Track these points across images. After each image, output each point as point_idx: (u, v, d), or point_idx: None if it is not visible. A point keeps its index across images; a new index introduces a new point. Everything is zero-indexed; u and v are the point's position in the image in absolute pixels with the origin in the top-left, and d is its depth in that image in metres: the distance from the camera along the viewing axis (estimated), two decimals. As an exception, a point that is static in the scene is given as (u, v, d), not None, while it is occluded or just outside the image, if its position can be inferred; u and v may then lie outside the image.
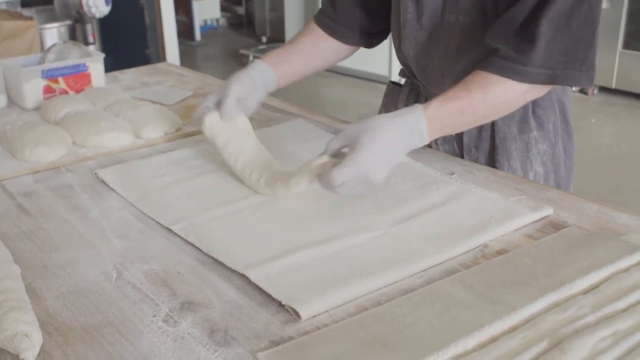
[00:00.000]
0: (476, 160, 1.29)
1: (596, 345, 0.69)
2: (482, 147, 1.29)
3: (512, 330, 0.73)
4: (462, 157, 1.31)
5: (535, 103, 1.25)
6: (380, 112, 1.47)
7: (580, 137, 4.46)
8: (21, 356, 0.73)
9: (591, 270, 0.84)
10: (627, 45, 4.66)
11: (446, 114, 1.06)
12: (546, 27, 1.03)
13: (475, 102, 1.07)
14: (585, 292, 0.81)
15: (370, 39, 1.39)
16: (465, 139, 1.29)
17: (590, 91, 4.90)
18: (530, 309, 0.76)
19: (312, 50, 1.36)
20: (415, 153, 1.29)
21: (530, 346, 0.69)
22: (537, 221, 1.03)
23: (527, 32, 1.05)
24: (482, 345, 0.71)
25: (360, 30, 1.36)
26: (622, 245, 0.92)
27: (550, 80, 1.07)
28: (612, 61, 4.75)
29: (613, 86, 4.82)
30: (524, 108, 1.24)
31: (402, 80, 1.43)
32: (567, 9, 1.03)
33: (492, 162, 1.29)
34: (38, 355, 0.74)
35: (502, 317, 0.75)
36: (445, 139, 1.32)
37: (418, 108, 1.04)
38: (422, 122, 1.03)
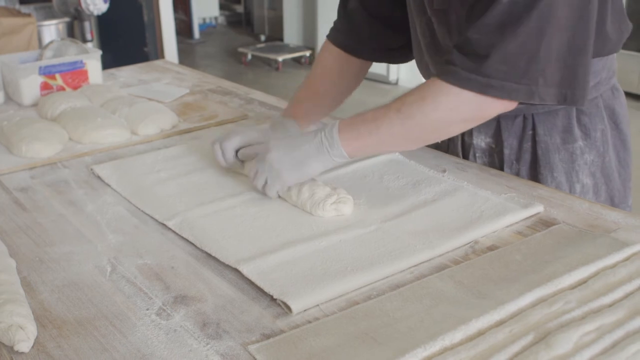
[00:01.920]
0: (517, 174, 1.21)
1: (581, 339, 0.70)
2: (524, 159, 1.20)
3: (499, 324, 0.74)
4: (502, 169, 1.23)
5: (579, 110, 1.16)
6: None
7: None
8: (15, 348, 0.75)
9: (579, 266, 0.85)
10: (624, 45, 4.66)
11: (358, 121, 1.03)
12: (489, 29, 0.94)
13: (389, 110, 1.01)
14: (572, 287, 0.82)
15: (393, 55, 1.32)
16: (506, 151, 1.21)
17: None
18: (518, 304, 0.78)
19: (338, 90, 1.30)
20: (408, 151, 1.31)
21: (516, 340, 0.70)
22: (527, 218, 1.04)
23: (466, 35, 0.96)
24: (470, 339, 0.72)
25: (379, 45, 1.29)
26: (610, 242, 0.93)
27: (482, 90, 0.95)
28: (609, 61, 4.76)
29: (610, 86, 4.83)
30: (568, 116, 1.15)
31: None
32: (515, 10, 0.92)
33: (534, 175, 1.20)
34: (32, 347, 0.76)
35: (489, 312, 0.76)
36: (485, 152, 1.24)
37: (335, 120, 1.07)
38: (335, 131, 1.03)
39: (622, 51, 4.51)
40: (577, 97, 0.98)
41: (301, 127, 1.22)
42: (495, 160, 1.24)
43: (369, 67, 1.33)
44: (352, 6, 1.27)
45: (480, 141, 1.24)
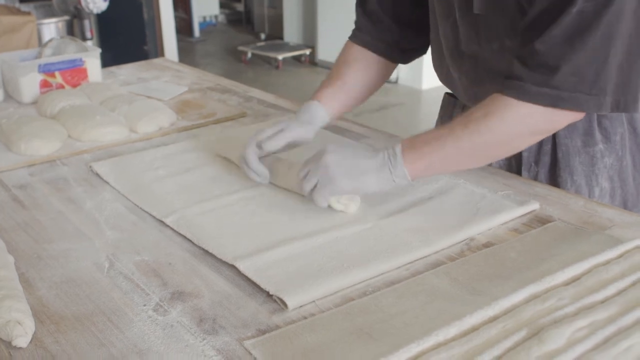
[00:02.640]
0: (536, 177, 1.19)
1: (573, 335, 0.70)
2: (543, 162, 1.19)
3: (493, 320, 0.75)
4: (519, 173, 1.21)
5: (600, 114, 1.14)
6: (437, 124, 1.39)
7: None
8: (13, 343, 0.75)
9: (573, 263, 0.86)
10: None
11: (420, 141, 1.00)
12: (557, 42, 0.92)
13: (454, 128, 0.99)
14: (566, 284, 0.82)
15: (407, 56, 1.31)
16: (525, 153, 1.19)
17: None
18: (511, 300, 0.78)
19: (363, 81, 1.26)
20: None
21: (509, 335, 0.71)
22: (523, 215, 1.05)
23: (533, 48, 0.94)
24: (463, 334, 0.73)
25: (401, 47, 1.28)
26: (605, 239, 0.94)
27: (553, 103, 0.94)
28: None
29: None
30: (589, 119, 1.14)
31: None
32: (583, 22, 0.91)
33: (553, 177, 1.19)
34: (30, 342, 0.76)
35: (483, 308, 0.76)
36: None
37: (397, 148, 1.01)
38: (398, 150, 1.00)
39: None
40: (630, 104, 0.97)
41: (327, 112, 1.20)
42: (513, 162, 1.23)
43: (391, 70, 1.31)
44: (371, 7, 1.26)
45: None
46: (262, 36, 7.20)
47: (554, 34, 0.92)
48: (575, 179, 1.17)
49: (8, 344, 0.76)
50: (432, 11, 1.21)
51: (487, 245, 0.97)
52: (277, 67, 6.12)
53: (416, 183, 1.15)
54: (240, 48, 6.48)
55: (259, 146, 1.12)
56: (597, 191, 1.18)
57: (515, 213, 1.05)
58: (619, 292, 0.79)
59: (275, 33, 6.97)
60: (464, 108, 1.28)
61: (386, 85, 5.62)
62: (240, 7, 8.16)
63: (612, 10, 0.90)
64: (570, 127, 1.14)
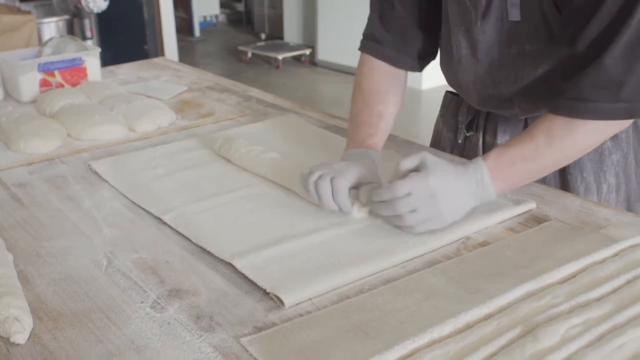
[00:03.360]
0: (545, 177, 1.17)
1: (567, 332, 0.71)
2: None
3: (488, 317, 0.76)
4: None
5: None
6: (437, 123, 1.41)
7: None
8: (12, 339, 0.76)
9: (569, 262, 0.86)
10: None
11: (506, 162, 1.01)
12: (618, 57, 0.94)
13: (539, 147, 1.00)
14: (561, 282, 0.83)
15: (423, 63, 1.27)
16: None
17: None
18: (507, 298, 0.79)
19: (395, 110, 1.22)
20: (404, 149, 1.32)
21: (504, 333, 0.71)
22: (519, 215, 1.06)
23: (596, 65, 0.96)
24: (458, 332, 0.73)
25: (417, 53, 1.24)
26: (600, 238, 0.94)
27: (629, 115, 0.98)
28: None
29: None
30: None
31: None
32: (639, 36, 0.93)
33: (563, 175, 1.21)
34: (28, 338, 0.77)
35: (478, 305, 0.77)
36: None
37: (479, 161, 1.01)
38: (485, 174, 0.99)
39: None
40: None
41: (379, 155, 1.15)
42: None
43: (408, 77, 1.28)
44: (397, 14, 1.21)
45: (505, 141, 1.23)
46: (263, 36, 7.21)
47: (617, 48, 0.94)
48: (585, 176, 1.19)
49: (6, 341, 0.76)
50: (445, 16, 1.20)
51: (483, 244, 0.98)
52: (277, 67, 6.12)
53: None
54: (241, 48, 6.49)
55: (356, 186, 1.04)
56: (605, 187, 1.20)
57: (511, 212, 1.05)
58: (614, 290, 0.80)
59: (276, 33, 6.98)
60: (469, 108, 1.29)
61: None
62: (240, 7, 8.17)
63: None
64: None
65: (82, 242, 0.99)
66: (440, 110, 1.40)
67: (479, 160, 1.01)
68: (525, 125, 1.21)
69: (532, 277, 0.83)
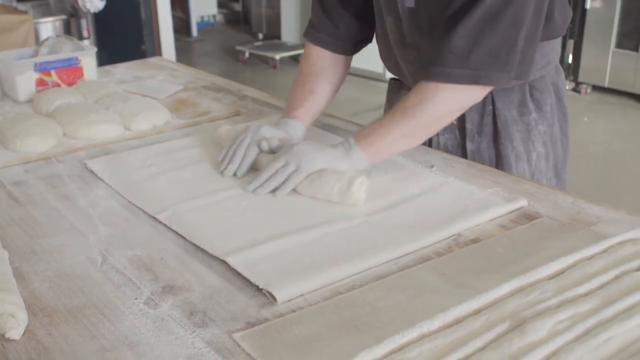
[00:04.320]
0: (479, 146, 1.32)
1: (554, 327, 0.72)
2: (485, 132, 1.31)
3: (477, 312, 0.77)
4: (464, 145, 1.33)
5: (532, 86, 1.29)
6: (385, 110, 1.51)
7: (572, 135, 4.50)
8: (7, 335, 0.77)
9: (558, 258, 0.87)
10: (619, 44, 4.69)
11: (369, 131, 1.15)
12: (471, 29, 1.07)
13: (395, 116, 1.13)
14: (550, 278, 0.84)
15: (358, 47, 1.41)
16: (468, 126, 1.32)
17: (583, 90, 4.93)
18: (496, 293, 0.80)
19: (330, 87, 1.37)
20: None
21: (492, 327, 0.72)
22: (511, 212, 1.07)
23: (451, 35, 1.08)
24: (447, 326, 0.74)
25: (356, 39, 1.38)
26: (590, 235, 0.95)
27: (474, 81, 1.10)
28: (605, 60, 4.78)
29: (606, 85, 4.85)
30: (522, 91, 1.28)
31: None
32: (493, 11, 1.06)
33: (496, 146, 1.32)
34: (23, 334, 0.78)
35: (467, 300, 0.78)
36: (447, 129, 1.33)
37: (349, 137, 1.16)
38: (350, 140, 1.14)
39: (618, 50, 4.55)
40: (525, 74, 1.18)
41: (304, 127, 1.31)
42: (457, 135, 1.35)
43: (350, 63, 1.42)
44: (330, 3, 1.35)
45: None
46: (260, 36, 7.21)
47: (469, 21, 1.07)
48: (515, 145, 1.31)
49: (1, 336, 0.77)
50: (377, 5, 1.31)
51: (474, 241, 0.99)
52: (274, 67, 6.13)
53: (406, 180, 1.17)
54: (238, 48, 6.50)
55: (258, 144, 1.21)
56: (534, 155, 1.33)
57: (503, 209, 1.06)
58: (602, 286, 0.81)
59: (273, 33, 6.98)
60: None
61: (382, 84, 5.62)
62: (238, 6, 8.17)
63: (518, 1, 1.05)
64: (507, 100, 1.29)
65: (78, 239, 1.00)
66: (387, 96, 1.52)
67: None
68: None
69: (521, 273, 0.84)
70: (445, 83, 1.10)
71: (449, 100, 1.13)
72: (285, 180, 1.11)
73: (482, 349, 0.69)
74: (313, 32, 1.38)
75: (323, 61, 1.37)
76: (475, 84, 1.11)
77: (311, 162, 1.11)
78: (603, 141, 4.16)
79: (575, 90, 4.99)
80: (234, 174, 1.19)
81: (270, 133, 1.22)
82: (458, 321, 0.75)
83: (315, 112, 1.36)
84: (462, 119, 1.32)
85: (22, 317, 0.79)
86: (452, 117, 1.19)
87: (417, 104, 1.13)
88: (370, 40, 1.42)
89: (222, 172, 1.20)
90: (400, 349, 0.70)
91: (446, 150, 1.35)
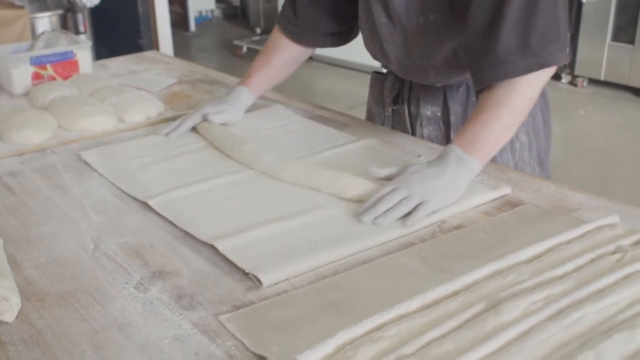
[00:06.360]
0: None
1: (529, 307, 0.74)
2: None
3: (455, 294, 0.79)
4: (448, 136, 1.36)
5: None
6: (368, 102, 1.54)
7: (568, 128, 4.54)
8: (0, 318, 0.79)
9: (536, 242, 0.90)
10: (615, 37, 4.71)
11: (472, 133, 1.09)
12: (516, 19, 1.06)
13: (492, 111, 1.10)
14: (528, 261, 0.86)
15: (337, 39, 1.47)
16: (452, 118, 1.34)
17: (579, 83, 4.95)
18: (474, 276, 0.82)
19: (284, 65, 1.50)
20: (385, 136, 1.35)
21: (468, 308, 0.75)
22: (495, 199, 1.09)
23: (497, 34, 1.07)
24: (425, 307, 0.77)
25: (324, 32, 1.45)
26: (570, 221, 0.98)
27: (541, 66, 1.09)
28: (601, 53, 4.79)
29: (602, 78, 4.87)
30: None
31: (385, 69, 1.49)
32: None
33: None
34: (16, 317, 0.80)
35: (446, 283, 0.80)
36: (431, 120, 1.37)
37: (448, 146, 1.10)
38: (458, 150, 1.08)
39: (614, 43, 4.53)
40: (568, 54, 1.14)
41: (253, 94, 1.45)
42: (442, 127, 1.38)
43: (311, 50, 1.52)
44: (301, 2, 1.43)
45: (427, 110, 1.37)
46: (258, 30, 7.22)
47: (510, 14, 1.06)
48: None
49: (-5, 320, 0.80)
50: None
51: (458, 227, 1.01)
52: (272, 61, 6.14)
53: (393, 169, 1.19)
54: (236, 42, 6.51)
55: (205, 117, 1.37)
56: (517, 145, 1.35)
57: (487, 197, 1.08)
58: (577, 269, 0.83)
59: (271, 27, 6.88)
60: (394, 84, 1.43)
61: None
62: (236, 1, 8.17)
63: None
64: None
65: (70, 227, 1.03)
66: (369, 90, 1.54)
67: (447, 146, 1.10)
68: (444, 96, 1.35)
69: (500, 257, 0.86)
70: (514, 78, 1.09)
71: (534, 89, 1.12)
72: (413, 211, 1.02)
73: (457, 328, 0.72)
74: (283, 20, 1.47)
75: (287, 46, 1.48)
76: (542, 69, 1.09)
77: (436, 200, 1.02)
78: (599, 134, 4.18)
79: (572, 83, 5.00)
80: (166, 134, 1.36)
81: (212, 106, 1.38)
82: (436, 302, 0.77)
83: (268, 83, 1.47)
84: (446, 111, 1.34)
85: (16, 301, 0.81)
86: (532, 106, 1.16)
87: (495, 106, 1.10)
88: (357, 32, 1.45)
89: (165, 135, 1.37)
90: (379, 327, 0.73)
91: (430, 141, 1.37)
